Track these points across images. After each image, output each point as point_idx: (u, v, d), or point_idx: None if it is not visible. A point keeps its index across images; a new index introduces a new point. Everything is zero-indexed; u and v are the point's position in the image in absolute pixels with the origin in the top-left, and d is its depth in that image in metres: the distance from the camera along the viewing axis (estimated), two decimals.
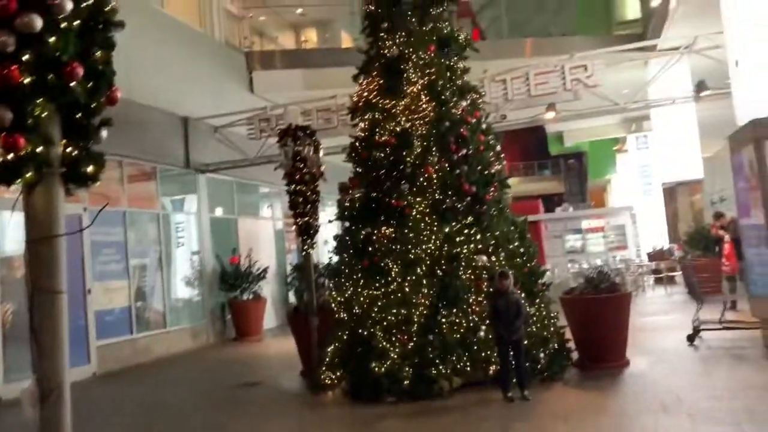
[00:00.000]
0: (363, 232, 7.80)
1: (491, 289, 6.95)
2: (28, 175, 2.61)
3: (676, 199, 23.95)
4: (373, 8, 8.37)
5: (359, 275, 7.70)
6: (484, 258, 7.38)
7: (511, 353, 6.49)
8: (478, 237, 7.47)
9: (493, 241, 7.54)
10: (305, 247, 8.66)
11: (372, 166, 7.96)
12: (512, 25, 36.00)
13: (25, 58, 2.57)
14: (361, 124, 8.34)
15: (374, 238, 7.63)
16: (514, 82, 11.84)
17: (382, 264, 7.47)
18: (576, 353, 7.67)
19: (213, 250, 13.96)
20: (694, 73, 14.20)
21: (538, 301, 7.61)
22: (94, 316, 10.26)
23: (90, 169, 2.79)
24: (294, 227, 8.87)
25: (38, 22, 2.55)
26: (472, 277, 7.27)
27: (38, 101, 2.60)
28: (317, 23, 21.72)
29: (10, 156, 2.57)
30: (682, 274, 15.26)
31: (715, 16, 8.52)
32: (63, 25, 2.62)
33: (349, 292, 7.67)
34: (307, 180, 8.50)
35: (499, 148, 8.19)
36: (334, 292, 8.06)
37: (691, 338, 8.55)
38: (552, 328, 7.51)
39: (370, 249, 7.64)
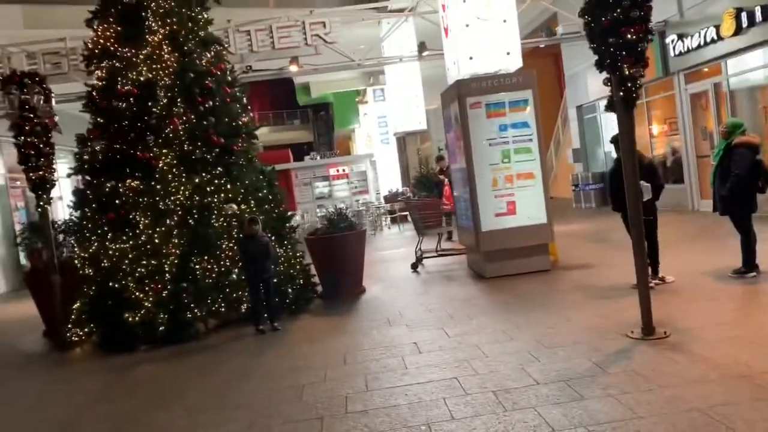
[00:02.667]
0: (107, 186, 7.64)
1: (241, 235, 7.43)
2: None
3: (406, 147, 26.63)
4: None
5: (105, 229, 7.57)
6: (234, 206, 7.79)
7: (262, 291, 7.12)
8: (228, 187, 7.85)
9: (243, 190, 7.97)
10: (41, 202, 8.14)
11: (113, 116, 7.74)
12: None
13: None
14: (98, 72, 8.01)
15: (120, 191, 7.53)
16: (258, 34, 12.15)
17: (130, 217, 7.45)
18: (320, 287, 8.59)
19: None
20: (418, 34, 15.93)
21: (286, 242, 8.32)
22: None
23: None
24: (25, 183, 8.25)
25: None
26: (224, 224, 7.65)
27: None
28: None
29: None
30: (408, 213, 17.43)
31: None
32: None
33: (95, 247, 7.52)
34: (39, 131, 7.94)
35: (245, 100, 8.54)
36: (77, 249, 7.80)
37: (414, 266, 10.06)
38: (298, 267, 8.29)
39: (116, 202, 7.53)
